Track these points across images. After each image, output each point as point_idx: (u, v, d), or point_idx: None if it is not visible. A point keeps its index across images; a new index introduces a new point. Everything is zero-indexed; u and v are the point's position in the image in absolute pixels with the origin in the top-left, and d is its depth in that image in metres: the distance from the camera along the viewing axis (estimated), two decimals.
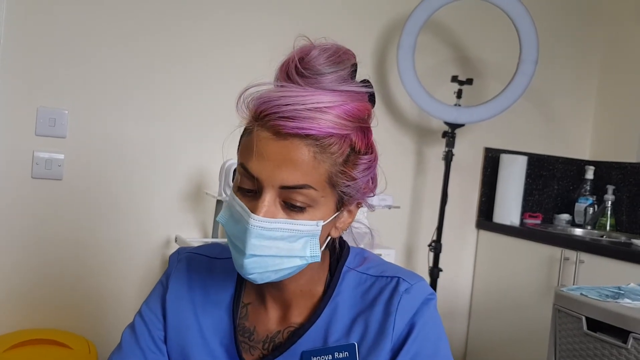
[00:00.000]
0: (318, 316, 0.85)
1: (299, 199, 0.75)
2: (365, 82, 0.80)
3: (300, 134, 0.73)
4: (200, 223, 2.31)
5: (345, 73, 0.77)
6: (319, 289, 0.87)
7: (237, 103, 0.78)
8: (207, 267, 0.93)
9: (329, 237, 0.84)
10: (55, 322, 2.10)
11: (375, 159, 0.81)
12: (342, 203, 0.81)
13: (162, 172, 2.25)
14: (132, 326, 0.93)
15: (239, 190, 0.78)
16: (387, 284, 0.85)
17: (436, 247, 2.54)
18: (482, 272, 2.90)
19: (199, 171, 2.29)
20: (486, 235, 2.88)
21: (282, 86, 0.75)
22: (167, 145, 2.25)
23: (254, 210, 0.75)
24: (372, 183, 0.84)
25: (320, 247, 0.80)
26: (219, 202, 2.15)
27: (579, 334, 1.64)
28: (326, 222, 0.79)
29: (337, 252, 0.89)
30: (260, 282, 0.79)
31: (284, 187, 0.74)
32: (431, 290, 0.87)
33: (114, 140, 2.17)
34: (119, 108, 2.17)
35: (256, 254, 0.75)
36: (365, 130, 0.79)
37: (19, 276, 2.07)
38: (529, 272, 2.59)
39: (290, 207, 0.76)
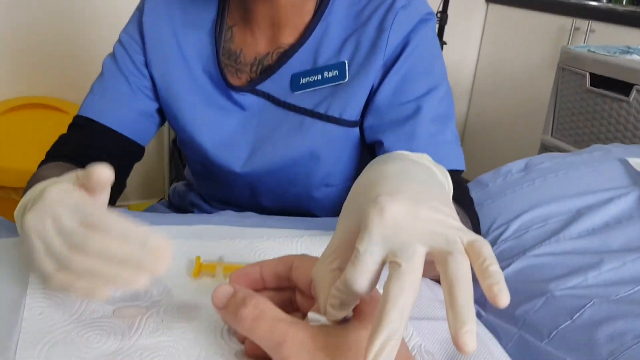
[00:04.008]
0: (308, 36, 0.80)
1: None
2: None
3: None
4: None
5: None
6: (310, 7, 0.81)
7: None
8: None
9: None
10: (51, 91, 2.08)
11: None
12: None
13: None
14: (112, 54, 0.89)
15: None
16: (382, 1, 0.79)
17: (441, 18, 2.42)
18: (489, 49, 2.80)
19: None
20: (495, 9, 2.73)
21: None
22: None
23: None
24: None
25: None
26: None
27: (581, 91, 1.60)
28: None
29: None
30: None
31: None
32: (431, 9, 0.80)
33: None
34: None
35: None
36: None
37: (13, 44, 2.00)
38: (537, 47, 2.49)
39: None
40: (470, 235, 0.35)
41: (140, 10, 0.87)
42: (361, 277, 0.35)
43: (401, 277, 0.33)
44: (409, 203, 0.36)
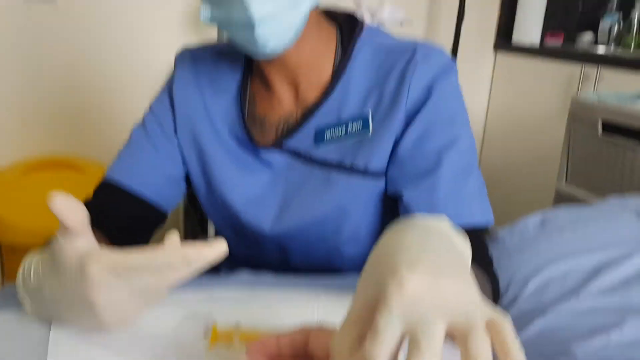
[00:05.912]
0: (331, 91, 0.81)
1: None
2: None
3: None
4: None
5: None
6: (328, 64, 0.82)
7: None
8: (213, 60, 0.90)
9: None
10: (66, 148, 2.12)
11: None
12: None
13: None
14: (141, 123, 0.91)
15: None
16: (404, 52, 0.80)
17: None
18: (498, 98, 2.83)
19: None
20: (504, 58, 2.77)
21: None
22: None
23: None
24: None
25: None
26: None
27: (593, 140, 1.60)
28: None
29: (347, 26, 0.84)
30: (279, 51, 0.75)
31: None
32: (451, 60, 0.81)
33: None
34: None
35: (264, 15, 0.69)
36: None
37: (23, 103, 2.05)
38: (547, 95, 2.51)
39: None
40: (490, 311, 0.35)
41: (170, 79, 0.91)
42: (381, 352, 0.34)
43: (421, 357, 0.33)
44: (429, 276, 0.36)
